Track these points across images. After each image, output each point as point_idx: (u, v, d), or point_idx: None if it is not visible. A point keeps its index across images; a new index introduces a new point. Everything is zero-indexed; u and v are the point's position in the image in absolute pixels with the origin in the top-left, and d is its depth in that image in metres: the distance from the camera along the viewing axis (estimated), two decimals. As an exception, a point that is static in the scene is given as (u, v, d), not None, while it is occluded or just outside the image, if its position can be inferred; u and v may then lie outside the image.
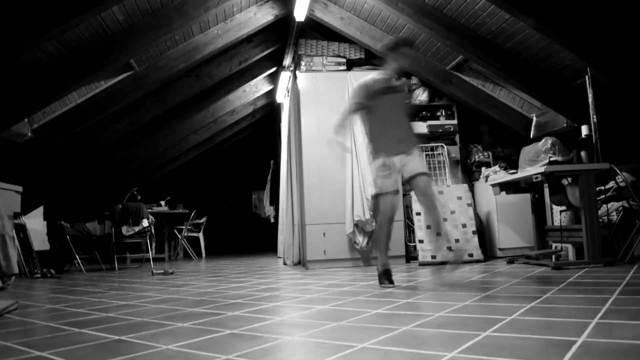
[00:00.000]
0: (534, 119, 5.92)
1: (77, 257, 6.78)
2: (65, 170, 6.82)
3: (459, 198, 5.51)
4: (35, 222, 7.05)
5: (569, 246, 4.51)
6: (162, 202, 8.66)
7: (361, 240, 5.25)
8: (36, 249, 6.34)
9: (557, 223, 5.03)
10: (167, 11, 4.74)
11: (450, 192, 5.56)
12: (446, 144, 6.19)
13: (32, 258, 6.15)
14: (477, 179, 6.19)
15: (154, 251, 7.21)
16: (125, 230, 6.65)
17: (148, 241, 6.82)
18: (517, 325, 1.91)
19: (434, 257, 5.20)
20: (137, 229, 6.67)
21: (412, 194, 5.57)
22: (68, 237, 6.61)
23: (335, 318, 2.30)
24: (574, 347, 1.53)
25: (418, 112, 6.33)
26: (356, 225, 5.25)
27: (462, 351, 1.57)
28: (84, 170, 7.32)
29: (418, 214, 5.45)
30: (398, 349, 1.66)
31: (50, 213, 7.39)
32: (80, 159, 6.75)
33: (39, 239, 6.90)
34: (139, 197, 7.52)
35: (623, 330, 1.73)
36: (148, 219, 6.76)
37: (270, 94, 8.58)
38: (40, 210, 7.28)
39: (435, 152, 6.13)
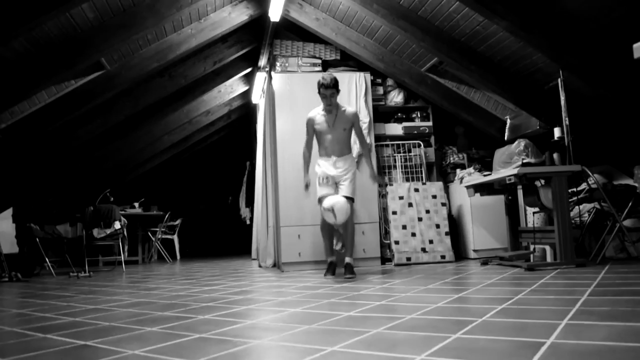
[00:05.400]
0: (508, 121, 5.96)
1: (47, 260, 6.62)
2: (35, 171, 6.67)
3: (434, 197, 5.54)
4: (4, 224, 6.86)
5: (547, 247, 4.55)
6: (136, 204, 8.51)
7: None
8: (5, 252, 6.17)
9: (530, 224, 5.08)
10: (139, 9, 4.67)
11: (426, 190, 5.58)
12: (421, 146, 6.20)
13: (1, 261, 5.99)
14: (452, 181, 6.22)
15: (126, 254, 7.09)
16: (96, 232, 6.53)
17: (120, 244, 6.70)
18: (488, 327, 1.91)
19: (409, 259, 5.21)
20: (108, 231, 6.55)
21: (389, 194, 5.58)
22: (37, 239, 6.45)
23: (307, 321, 2.27)
24: (543, 349, 1.53)
25: (393, 114, 6.34)
26: (332, 227, 5.21)
27: (432, 354, 1.55)
28: (55, 172, 7.17)
29: (394, 212, 5.45)
30: (368, 352, 1.64)
31: (19, 215, 7.21)
32: (50, 160, 6.60)
33: (8, 241, 6.73)
34: (112, 199, 7.38)
35: (592, 331, 1.74)
36: (120, 221, 6.66)
37: (246, 94, 8.51)
38: (9, 212, 7.10)
39: (411, 155, 6.13)
